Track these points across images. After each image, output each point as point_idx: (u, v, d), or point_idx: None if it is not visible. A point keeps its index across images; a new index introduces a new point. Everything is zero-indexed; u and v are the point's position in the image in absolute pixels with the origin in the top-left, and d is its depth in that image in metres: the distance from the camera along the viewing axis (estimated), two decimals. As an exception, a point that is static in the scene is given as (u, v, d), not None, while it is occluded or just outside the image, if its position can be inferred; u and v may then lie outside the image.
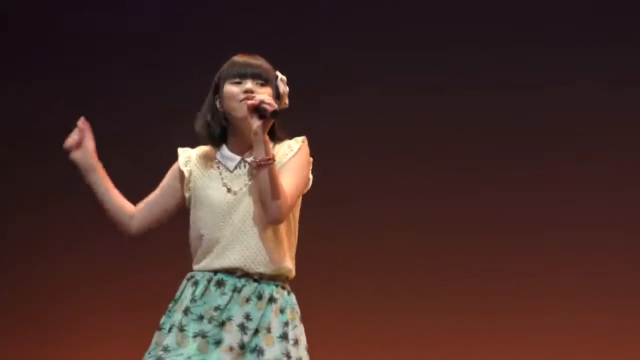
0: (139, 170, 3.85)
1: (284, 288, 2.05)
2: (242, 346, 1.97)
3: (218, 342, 1.98)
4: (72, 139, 2.20)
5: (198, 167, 2.10)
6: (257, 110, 1.96)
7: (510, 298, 4.15)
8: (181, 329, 2.00)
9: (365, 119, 4.21)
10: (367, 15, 4.35)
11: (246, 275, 2.00)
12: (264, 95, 2.00)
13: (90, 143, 2.20)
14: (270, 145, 2.01)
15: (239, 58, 2.10)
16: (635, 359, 4.03)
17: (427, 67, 4.24)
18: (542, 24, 4.25)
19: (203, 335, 1.98)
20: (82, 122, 2.19)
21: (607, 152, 4.12)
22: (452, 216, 4.19)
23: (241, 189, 2.03)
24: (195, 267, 2.08)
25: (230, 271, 2.00)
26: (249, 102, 1.97)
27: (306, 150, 2.09)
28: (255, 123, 1.95)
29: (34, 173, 4.51)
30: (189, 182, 2.10)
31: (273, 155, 1.98)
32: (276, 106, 1.97)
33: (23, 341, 4.38)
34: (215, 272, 2.02)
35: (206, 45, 4.32)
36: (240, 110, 2.02)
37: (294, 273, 2.09)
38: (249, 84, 2.04)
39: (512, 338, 4.14)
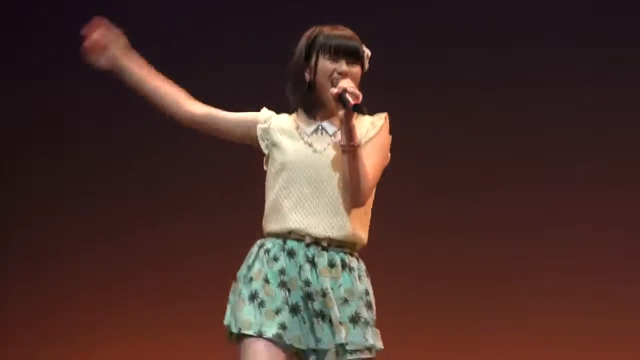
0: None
1: (352, 255, 2.04)
2: (343, 321, 1.96)
3: (318, 315, 1.96)
4: (89, 42, 2.18)
5: (280, 126, 2.08)
6: (340, 99, 1.95)
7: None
8: (293, 307, 1.97)
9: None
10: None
11: (315, 242, 1.98)
12: (348, 82, 1.98)
13: (111, 40, 2.19)
14: (355, 125, 2.00)
15: (334, 31, 2.07)
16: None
17: (430, 67, 4.25)
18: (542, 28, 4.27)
19: (297, 309, 1.97)
20: (96, 22, 2.16)
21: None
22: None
23: (324, 149, 2.03)
24: (269, 229, 2.04)
25: (299, 238, 1.98)
26: (334, 91, 1.96)
27: (387, 127, 2.10)
28: (340, 110, 1.95)
29: (44, 173, 4.53)
30: (270, 139, 2.07)
31: (358, 142, 1.97)
32: (359, 99, 1.95)
33: (35, 340, 4.41)
34: (285, 238, 2.00)
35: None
36: (328, 89, 2.01)
37: (365, 241, 2.06)
38: (343, 66, 2.02)
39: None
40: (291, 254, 1.98)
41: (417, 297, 4.13)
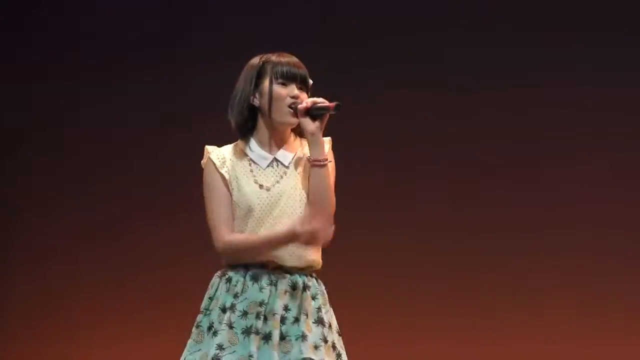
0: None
1: (312, 276, 2.11)
2: (283, 337, 2.03)
3: (267, 337, 2.03)
4: None
5: (233, 167, 2.11)
6: (313, 111, 2.05)
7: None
8: (230, 326, 2.03)
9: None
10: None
11: (279, 267, 2.06)
12: (313, 98, 2.08)
13: None
14: (298, 140, 2.13)
15: (282, 58, 2.12)
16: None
17: (432, 68, 4.27)
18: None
19: (251, 331, 2.03)
20: None
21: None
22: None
23: (273, 185, 2.08)
24: (226, 263, 2.11)
25: (263, 265, 2.06)
26: (302, 105, 2.05)
27: (331, 152, 2.14)
28: (310, 125, 2.04)
29: (44, 173, 4.53)
30: (230, 183, 2.10)
31: (327, 157, 2.07)
32: (331, 102, 2.06)
33: (36, 339, 4.40)
34: (248, 267, 2.07)
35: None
36: (285, 114, 2.08)
37: (320, 264, 2.13)
38: (295, 90, 2.09)
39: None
40: (254, 278, 2.06)
41: (418, 294, 4.15)
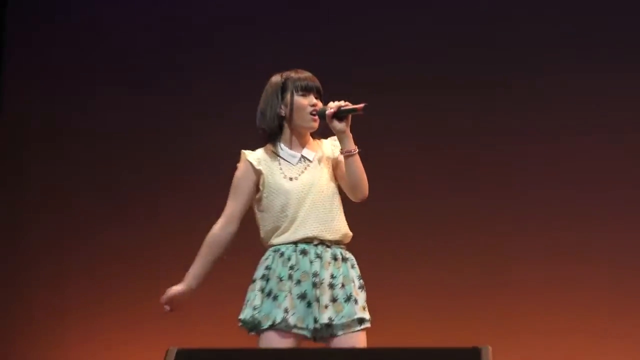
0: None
1: (346, 249, 2.58)
2: (334, 300, 2.48)
3: (318, 301, 2.48)
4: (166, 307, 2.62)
5: (267, 166, 2.58)
6: (340, 114, 2.50)
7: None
8: (290, 292, 2.48)
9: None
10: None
11: (321, 242, 2.51)
12: (336, 102, 2.53)
13: (177, 301, 2.60)
14: (317, 141, 2.63)
15: (300, 74, 2.61)
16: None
17: (432, 68, 4.36)
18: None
19: (306, 297, 2.48)
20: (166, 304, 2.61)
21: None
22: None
23: (300, 175, 2.56)
24: (275, 241, 2.55)
25: (308, 241, 2.51)
26: (329, 111, 2.51)
27: None
28: (338, 125, 2.51)
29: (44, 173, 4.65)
30: (263, 179, 2.57)
31: (355, 147, 2.53)
32: (359, 104, 2.51)
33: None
34: (296, 243, 2.52)
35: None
36: (308, 120, 2.58)
37: (350, 237, 2.60)
38: (313, 99, 2.58)
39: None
40: (304, 252, 2.51)
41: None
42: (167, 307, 2.57)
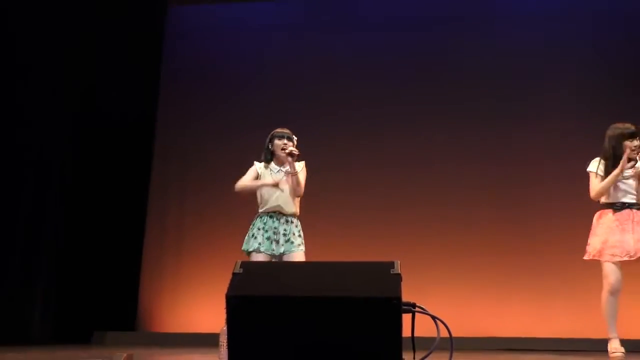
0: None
1: (295, 218, 4.82)
2: (286, 241, 4.73)
3: (277, 242, 4.72)
4: None
5: (262, 170, 4.89)
6: (289, 154, 4.78)
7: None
8: (262, 236, 4.74)
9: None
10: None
11: (281, 213, 4.78)
12: (291, 147, 4.80)
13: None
14: (296, 164, 4.82)
15: (280, 129, 4.89)
16: None
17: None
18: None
19: (270, 239, 4.72)
20: None
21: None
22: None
23: (280, 179, 4.82)
24: (260, 210, 4.81)
25: (275, 210, 4.78)
26: (285, 151, 4.80)
27: (304, 166, 4.88)
28: (289, 159, 4.80)
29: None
30: (258, 175, 4.88)
31: (296, 171, 4.79)
32: (297, 153, 4.77)
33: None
34: (268, 212, 4.78)
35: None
36: (281, 152, 4.85)
37: (298, 213, 4.84)
38: (285, 141, 4.85)
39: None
40: (271, 217, 4.77)
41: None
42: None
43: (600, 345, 4.95)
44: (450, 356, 2.95)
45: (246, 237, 4.73)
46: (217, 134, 8.08)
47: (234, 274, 2.85)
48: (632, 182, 4.83)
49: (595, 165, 4.86)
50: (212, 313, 6.68)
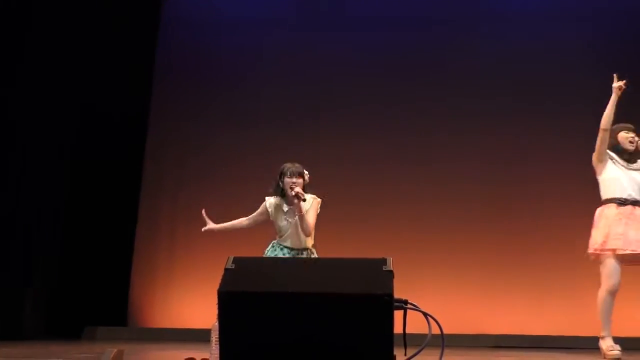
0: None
1: (308, 250, 4.72)
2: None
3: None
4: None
5: (274, 208, 4.75)
6: (295, 195, 4.56)
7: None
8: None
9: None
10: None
11: (293, 249, 4.70)
12: (298, 187, 4.58)
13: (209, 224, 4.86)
14: (307, 196, 4.62)
15: (290, 165, 4.67)
16: None
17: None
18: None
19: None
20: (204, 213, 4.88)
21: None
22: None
23: (292, 217, 4.67)
24: (279, 240, 4.73)
25: (287, 246, 4.70)
26: (290, 192, 4.59)
27: (317, 203, 4.71)
28: (295, 200, 4.61)
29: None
30: (270, 214, 4.75)
31: (304, 212, 4.62)
32: (303, 196, 4.55)
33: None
34: (281, 246, 4.72)
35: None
36: (289, 190, 4.62)
37: (312, 243, 4.73)
38: (294, 179, 4.64)
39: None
40: (283, 249, 4.69)
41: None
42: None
43: (592, 343, 4.95)
44: (442, 353, 2.95)
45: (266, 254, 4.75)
46: (210, 129, 8.08)
47: (226, 269, 2.85)
48: (637, 176, 4.85)
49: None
50: (203, 308, 6.67)
